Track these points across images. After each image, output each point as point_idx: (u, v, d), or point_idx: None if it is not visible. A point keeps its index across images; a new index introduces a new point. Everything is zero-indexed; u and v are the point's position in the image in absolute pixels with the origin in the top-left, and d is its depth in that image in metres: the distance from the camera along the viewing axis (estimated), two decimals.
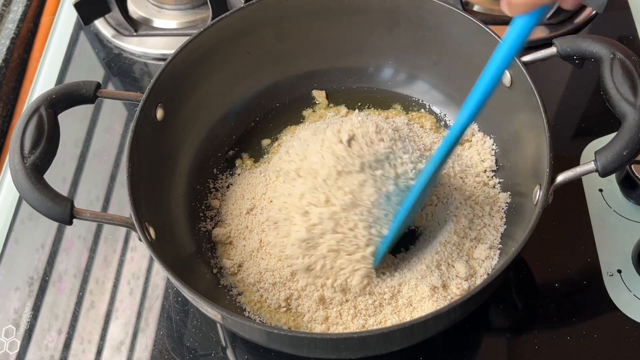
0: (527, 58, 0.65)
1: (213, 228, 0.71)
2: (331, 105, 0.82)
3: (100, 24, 0.93)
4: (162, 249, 0.59)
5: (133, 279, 0.71)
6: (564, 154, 0.76)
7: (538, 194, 0.59)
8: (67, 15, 0.97)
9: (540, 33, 0.86)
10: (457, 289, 0.62)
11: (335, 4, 0.77)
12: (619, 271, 0.68)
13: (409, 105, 0.81)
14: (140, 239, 0.58)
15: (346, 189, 0.63)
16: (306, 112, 0.81)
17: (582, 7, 0.89)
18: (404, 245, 0.68)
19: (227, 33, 0.75)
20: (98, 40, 0.93)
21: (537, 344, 0.64)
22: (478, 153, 0.74)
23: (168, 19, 0.92)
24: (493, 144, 0.73)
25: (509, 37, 0.49)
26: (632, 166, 0.70)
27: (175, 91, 0.71)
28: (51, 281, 0.72)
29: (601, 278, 0.67)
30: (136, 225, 0.58)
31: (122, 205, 0.77)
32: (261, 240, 0.68)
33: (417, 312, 0.62)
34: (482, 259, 0.65)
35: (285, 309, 0.64)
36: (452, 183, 0.70)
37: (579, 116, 0.80)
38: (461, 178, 0.71)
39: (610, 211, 0.72)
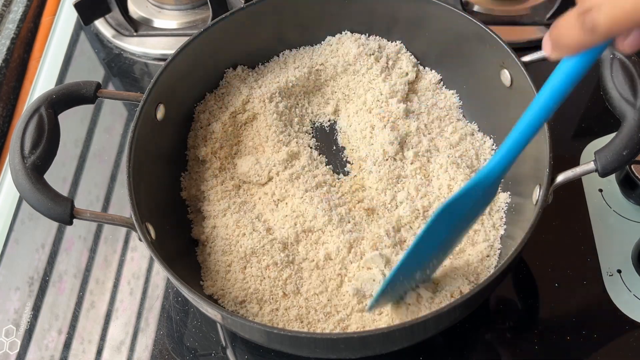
0: (527, 58, 0.65)
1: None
2: None
3: (100, 24, 0.93)
4: (162, 249, 0.59)
5: (133, 279, 0.71)
6: (564, 154, 0.76)
7: (538, 194, 0.59)
8: (67, 15, 0.97)
9: (540, 33, 0.86)
10: (457, 289, 0.62)
11: (335, 7, 0.77)
12: (619, 271, 0.68)
13: None
14: (140, 239, 0.58)
15: None
16: None
17: None
18: None
19: (227, 33, 0.75)
20: (98, 40, 0.93)
21: (537, 344, 0.64)
22: (478, 153, 0.73)
23: (168, 19, 0.92)
24: (493, 144, 0.73)
25: (552, 81, 0.44)
26: (632, 166, 0.70)
27: (175, 91, 0.71)
28: (51, 281, 0.72)
29: (601, 278, 0.67)
30: (136, 225, 0.58)
31: (122, 205, 0.77)
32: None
33: (416, 313, 0.62)
34: (482, 259, 0.65)
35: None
36: None
37: (579, 116, 0.80)
38: None
39: (610, 211, 0.72)
